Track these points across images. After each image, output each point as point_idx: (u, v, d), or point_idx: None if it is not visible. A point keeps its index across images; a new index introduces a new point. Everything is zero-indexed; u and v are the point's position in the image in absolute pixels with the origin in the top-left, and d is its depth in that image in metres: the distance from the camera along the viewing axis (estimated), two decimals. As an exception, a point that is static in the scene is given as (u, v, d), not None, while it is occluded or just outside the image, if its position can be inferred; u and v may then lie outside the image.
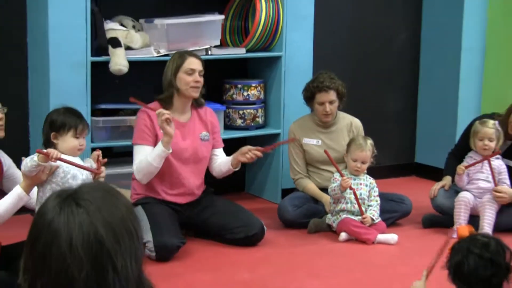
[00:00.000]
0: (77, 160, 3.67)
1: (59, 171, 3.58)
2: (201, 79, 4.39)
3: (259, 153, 4.48)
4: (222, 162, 4.60)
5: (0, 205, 3.44)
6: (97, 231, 1.39)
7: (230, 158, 4.55)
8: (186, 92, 4.38)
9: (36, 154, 3.43)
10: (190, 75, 4.35)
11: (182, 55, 4.42)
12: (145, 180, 4.32)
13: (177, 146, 4.34)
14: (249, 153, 4.45)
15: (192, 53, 4.49)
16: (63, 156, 3.52)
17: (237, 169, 4.59)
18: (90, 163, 3.72)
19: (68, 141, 3.61)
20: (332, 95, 4.84)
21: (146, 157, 4.25)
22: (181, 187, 4.46)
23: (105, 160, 3.72)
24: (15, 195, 3.48)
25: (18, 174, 3.78)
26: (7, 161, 3.86)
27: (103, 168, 3.71)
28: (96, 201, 1.44)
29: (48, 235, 1.40)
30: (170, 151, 4.20)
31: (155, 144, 4.31)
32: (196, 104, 4.53)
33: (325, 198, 4.84)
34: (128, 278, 1.42)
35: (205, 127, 4.56)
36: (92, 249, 1.37)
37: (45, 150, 3.45)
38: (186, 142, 4.42)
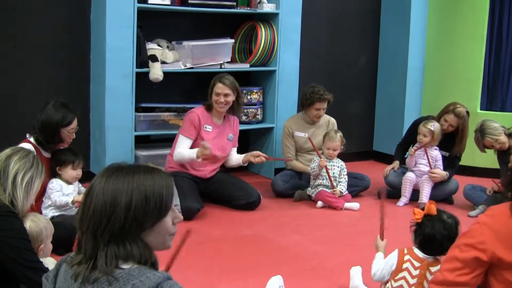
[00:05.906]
0: (74, 184, 3.61)
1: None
2: (226, 99, 4.33)
3: (264, 159, 4.47)
4: (233, 158, 4.59)
5: None
6: (107, 196, 1.48)
7: (242, 156, 4.54)
8: (214, 106, 4.38)
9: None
10: (217, 96, 4.33)
11: (215, 80, 4.38)
12: (178, 162, 4.36)
13: (210, 141, 4.30)
14: (259, 157, 4.44)
15: (222, 80, 4.36)
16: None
17: (245, 165, 4.64)
18: (78, 186, 3.66)
19: (69, 172, 3.57)
20: (325, 104, 4.80)
21: (185, 152, 4.28)
22: (204, 168, 4.44)
23: None
24: None
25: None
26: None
27: None
28: (115, 176, 1.51)
29: (88, 190, 1.54)
30: (199, 161, 4.23)
31: (195, 137, 4.33)
32: (230, 112, 4.51)
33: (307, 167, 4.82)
34: (121, 225, 1.46)
35: (232, 130, 4.55)
36: (105, 205, 1.47)
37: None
38: (216, 139, 4.40)
